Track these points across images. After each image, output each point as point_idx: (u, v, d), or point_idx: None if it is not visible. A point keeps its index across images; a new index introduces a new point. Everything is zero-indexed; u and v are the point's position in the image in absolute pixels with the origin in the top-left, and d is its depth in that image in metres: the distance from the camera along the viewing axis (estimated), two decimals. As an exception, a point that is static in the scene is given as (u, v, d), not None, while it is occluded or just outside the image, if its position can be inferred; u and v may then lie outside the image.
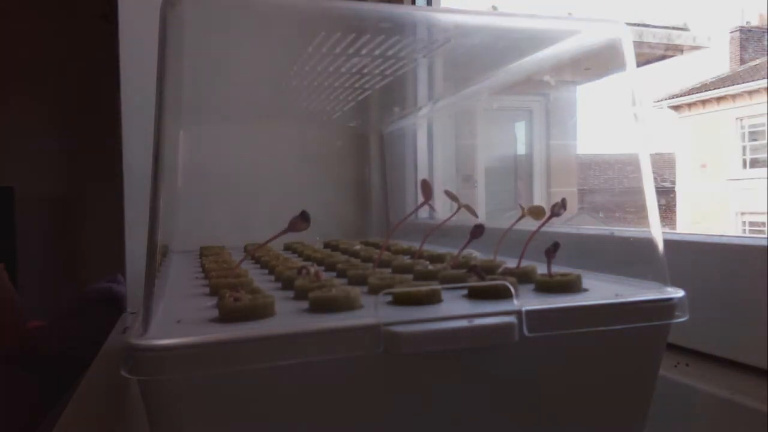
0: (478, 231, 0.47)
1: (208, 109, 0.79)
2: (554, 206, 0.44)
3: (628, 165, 0.44)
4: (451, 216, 0.51)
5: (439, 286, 0.39)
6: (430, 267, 0.47)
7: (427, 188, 0.48)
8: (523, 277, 0.44)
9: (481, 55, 0.60)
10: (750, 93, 4.15)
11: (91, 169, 1.86)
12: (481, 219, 0.49)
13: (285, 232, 0.42)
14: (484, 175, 1.14)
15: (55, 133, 1.93)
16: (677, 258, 0.44)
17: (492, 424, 0.37)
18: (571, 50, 0.51)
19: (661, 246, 0.41)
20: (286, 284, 0.45)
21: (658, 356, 0.40)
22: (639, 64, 0.45)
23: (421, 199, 0.48)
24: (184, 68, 0.46)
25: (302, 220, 0.41)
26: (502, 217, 0.98)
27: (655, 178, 0.44)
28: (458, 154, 1.14)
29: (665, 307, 0.38)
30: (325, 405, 0.33)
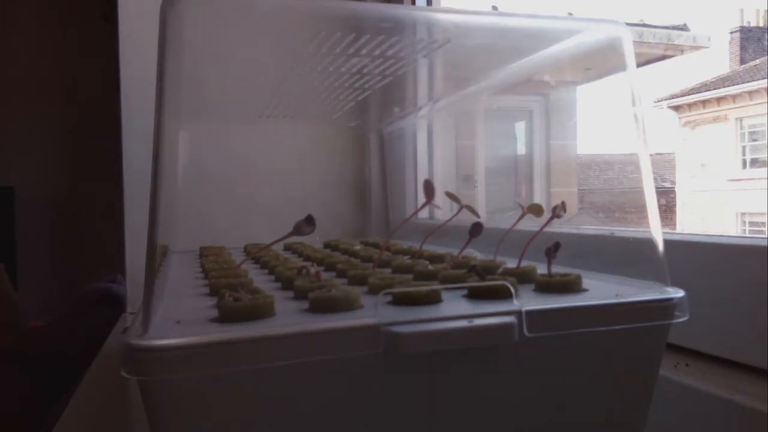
0: (476, 229, 0.47)
1: (208, 109, 0.79)
2: (555, 208, 0.44)
3: (628, 165, 0.44)
4: (453, 217, 0.51)
5: (439, 286, 0.39)
6: (430, 267, 0.47)
7: (429, 188, 0.48)
8: (523, 277, 0.44)
9: (481, 55, 0.60)
10: (750, 93, 4.15)
11: (91, 169, 1.86)
12: (482, 219, 0.49)
13: (290, 235, 0.42)
14: (484, 175, 1.14)
15: (55, 133, 1.93)
16: (677, 258, 0.44)
17: (492, 424, 0.37)
18: (571, 50, 0.51)
19: (661, 246, 0.41)
20: (286, 284, 0.45)
21: (658, 356, 0.40)
22: (639, 64, 0.45)
23: (422, 198, 0.48)
24: (184, 68, 0.46)
25: (307, 223, 0.41)
26: (503, 217, 0.98)
27: (655, 178, 0.44)
28: (458, 154, 1.14)
29: (665, 307, 0.38)
30: (325, 405, 0.33)
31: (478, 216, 0.49)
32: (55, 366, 0.91)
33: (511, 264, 0.47)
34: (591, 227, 0.62)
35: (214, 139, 0.96)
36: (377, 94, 0.70)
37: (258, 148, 1.01)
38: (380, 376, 0.33)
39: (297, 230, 0.42)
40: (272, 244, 0.46)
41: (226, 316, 0.34)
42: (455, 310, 0.36)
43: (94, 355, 0.72)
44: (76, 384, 0.64)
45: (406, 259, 0.54)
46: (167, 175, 0.36)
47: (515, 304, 0.36)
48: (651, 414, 0.40)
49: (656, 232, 0.41)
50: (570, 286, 0.41)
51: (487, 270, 0.44)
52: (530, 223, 0.46)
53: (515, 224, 0.48)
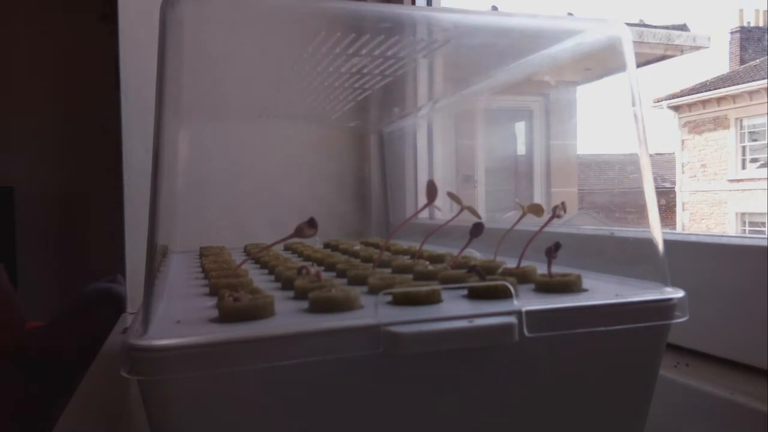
0: (477, 229, 0.47)
1: (208, 109, 0.79)
2: (555, 208, 0.44)
3: (628, 165, 0.44)
4: (454, 217, 0.51)
5: (439, 286, 0.39)
6: (430, 267, 0.47)
7: (432, 189, 0.48)
8: (523, 277, 0.44)
9: (481, 55, 0.60)
10: (750, 93, 4.15)
11: (91, 169, 1.86)
12: (482, 219, 0.49)
13: (291, 237, 0.42)
14: (484, 175, 1.14)
15: (55, 132, 1.93)
16: (677, 258, 0.44)
17: (492, 424, 0.37)
18: (571, 50, 0.51)
19: (661, 246, 0.41)
20: (286, 284, 0.45)
21: (658, 356, 0.40)
22: (639, 64, 0.45)
23: (422, 198, 0.48)
24: (184, 68, 0.46)
25: (309, 226, 0.41)
26: (502, 218, 0.98)
27: (655, 178, 0.44)
28: (458, 154, 1.14)
29: (665, 307, 0.38)
30: (325, 405, 0.33)
31: (479, 217, 0.49)
32: (55, 366, 0.91)
33: (511, 264, 0.47)
34: (591, 227, 0.62)
35: (214, 139, 0.96)
36: (377, 94, 0.70)
37: (258, 148, 1.01)
38: (380, 377, 0.33)
39: (299, 232, 0.41)
40: (273, 245, 0.46)
41: (226, 316, 0.34)
42: (455, 310, 0.36)
43: (94, 355, 0.72)
44: (76, 384, 0.64)
45: (406, 260, 0.54)
46: (167, 175, 0.36)
47: (515, 304, 0.36)
48: (651, 414, 0.40)
49: (656, 232, 0.41)
50: (570, 286, 0.41)
51: (487, 270, 0.43)
52: (530, 223, 0.46)
53: (515, 224, 0.48)
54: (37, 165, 1.92)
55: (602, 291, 0.41)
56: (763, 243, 0.44)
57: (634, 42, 0.44)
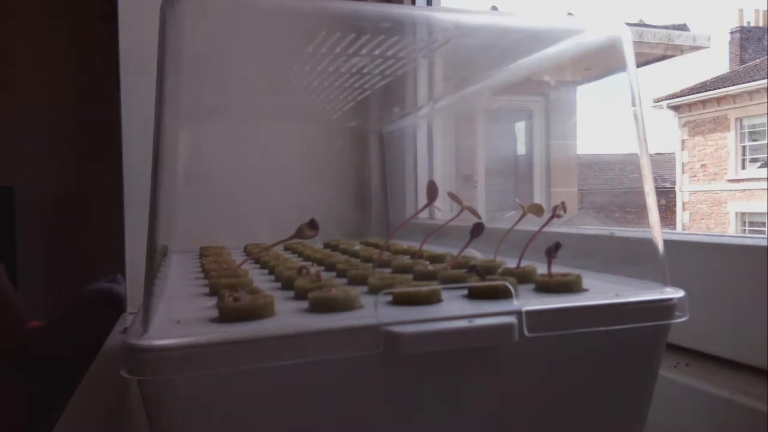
0: (477, 229, 0.47)
1: (208, 109, 0.79)
2: (555, 208, 0.44)
3: (628, 165, 0.44)
4: (454, 217, 0.51)
5: (439, 286, 0.39)
6: (430, 267, 0.47)
7: (433, 190, 0.48)
8: (523, 277, 0.44)
9: (481, 55, 0.60)
10: (750, 93, 4.15)
11: (91, 169, 1.86)
12: (482, 219, 0.49)
13: (292, 238, 0.42)
14: (484, 175, 1.14)
15: (55, 132, 1.93)
16: (677, 258, 0.44)
17: (492, 424, 0.36)
18: (571, 50, 0.51)
19: (661, 246, 0.41)
20: (286, 284, 0.45)
21: (658, 356, 0.40)
22: (639, 64, 0.45)
23: (422, 198, 0.48)
24: (184, 68, 0.46)
25: (310, 227, 0.41)
26: (502, 218, 0.98)
27: (655, 178, 0.44)
28: (458, 154, 1.14)
29: (665, 307, 0.38)
30: (324, 405, 0.33)
31: (479, 217, 0.49)
32: (55, 366, 0.91)
33: (511, 264, 0.47)
34: (591, 227, 0.62)
35: (214, 139, 0.96)
36: (377, 94, 0.71)
37: (258, 148, 1.01)
38: (380, 376, 0.33)
39: (299, 233, 0.42)
40: (273, 245, 0.46)
41: (226, 316, 0.34)
42: (455, 310, 0.36)
43: (94, 355, 0.72)
44: (76, 384, 0.64)
45: (406, 259, 0.54)
46: (167, 175, 0.36)
47: (515, 304, 0.36)
48: (651, 414, 0.40)
49: (656, 232, 0.41)
50: (570, 286, 0.41)
51: (487, 270, 0.43)
52: (530, 223, 0.46)
53: (515, 224, 0.48)
54: (37, 165, 1.91)
55: (602, 291, 0.41)
56: (763, 243, 0.44)
57: (634, 42, 0.44)
